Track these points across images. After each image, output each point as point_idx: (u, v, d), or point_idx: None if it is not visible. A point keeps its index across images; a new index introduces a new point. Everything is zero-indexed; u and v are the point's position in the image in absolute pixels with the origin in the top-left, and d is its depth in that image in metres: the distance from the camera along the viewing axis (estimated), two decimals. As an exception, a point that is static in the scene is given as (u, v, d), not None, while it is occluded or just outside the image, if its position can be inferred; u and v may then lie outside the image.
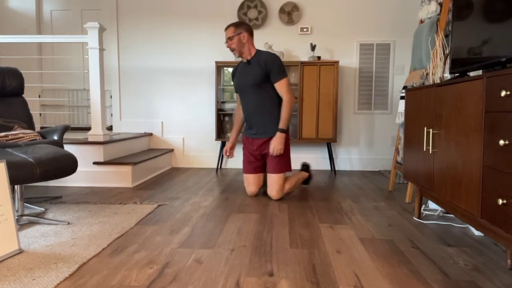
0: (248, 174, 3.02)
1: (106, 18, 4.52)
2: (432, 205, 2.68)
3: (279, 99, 2.93)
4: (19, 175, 2.03)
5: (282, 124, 2.84)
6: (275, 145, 2.83)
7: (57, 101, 5.03)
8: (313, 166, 4.43)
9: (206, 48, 4.47)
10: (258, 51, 2.92)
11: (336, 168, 4.43)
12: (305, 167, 3.41)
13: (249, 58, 2.92)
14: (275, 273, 1.60)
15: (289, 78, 2.79)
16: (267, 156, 2.96)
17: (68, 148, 3.38)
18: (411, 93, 2.40)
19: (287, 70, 4.26)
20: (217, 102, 4.22)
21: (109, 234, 2.08)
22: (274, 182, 2.91)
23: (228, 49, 2.94)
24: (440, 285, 1.50)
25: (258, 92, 2.90)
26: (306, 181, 3.40)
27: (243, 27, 2.88)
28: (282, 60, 4.09)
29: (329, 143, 4.20)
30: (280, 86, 2.83)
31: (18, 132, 2.74)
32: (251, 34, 2.91)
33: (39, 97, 5.02)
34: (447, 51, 2.44)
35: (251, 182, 3.01)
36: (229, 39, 2.88)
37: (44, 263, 1.69)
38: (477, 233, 2.13)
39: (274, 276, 1.58)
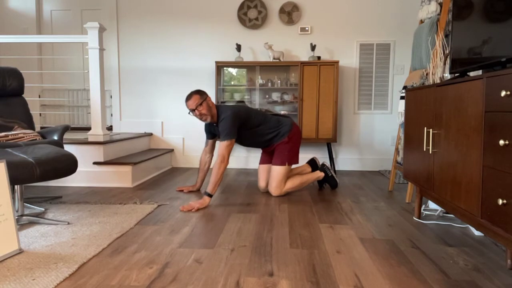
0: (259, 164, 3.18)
1: (106, 18, 4.52)
2: (432, 205, 2.68)
3: (267, 123, 2.98)
4: (19, 175, 2.03)
5: (209, 188, 2.71)
6: (192, 203, 2.67)
7: (57, 101, 5.03)
8: (313, 166, 4.43)
9: (206, 48, 4.47)
10: (218, 112, 2.89)
11: (336, 168, 4.43)
12: (313, 163, 3.37)
13: (215, 120, 2.91)
14: (275, 273, 1.60)
15: (233, 142, 2.79)
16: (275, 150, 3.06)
17: (68, 148, 3.38)
18: (411, 93, 2.40)
19: (287, 70, 4.26)
20: (217, 102, 4.22)
21: (109, 234, 2.08)
22: (272, 176, 2.97)
23: (197, 116, 2.88)
24: (440, 285, 1.50)
25: (242, 137, 2.97)
26: (332, 184, 3.28)
27: (204, 93, 2.87)
28: (283, 59, 4.11)
29: (329, 143, 4.20)
30: (221, 146, 2.77)
31: (18, 132, 2.74)
32: (210, 98, 2.93)
33: (39, 97, 5.02)
34: (447, 51, 2.44)
35: (259, 175, 3.17)
36: (199, 105, 2.82)
37: (44, 263, 1.69)
38: (477, 233, 2.13)
39: (274, 276, 1.58)
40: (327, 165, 3.27)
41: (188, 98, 2.86)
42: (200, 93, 2.87)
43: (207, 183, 3.45)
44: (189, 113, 2.94)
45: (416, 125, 2.29)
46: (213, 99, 4.45)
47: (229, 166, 4.52)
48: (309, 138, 4.08)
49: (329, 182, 3.27)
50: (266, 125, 3.00)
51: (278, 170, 2.95)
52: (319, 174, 3.20)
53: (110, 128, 4.71)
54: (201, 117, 2.86)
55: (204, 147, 3.19)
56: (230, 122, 2.78)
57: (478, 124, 1.53)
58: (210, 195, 2.71)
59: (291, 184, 3.00)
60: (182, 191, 3.18)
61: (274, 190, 2.96)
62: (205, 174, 3.20)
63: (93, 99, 3.45)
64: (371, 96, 4.35)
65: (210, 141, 3.15)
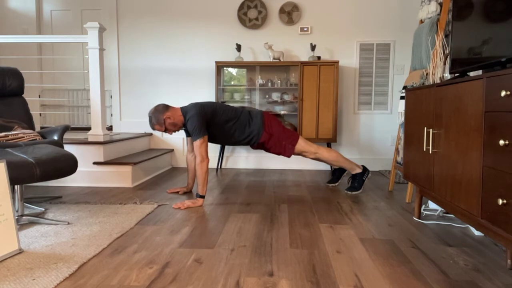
0: None
1: (106, 18, 4.52)
2: (432, 205, 2.68)
3: (238, 118, 2.95)
4: (19, 175, 2.03)
5: (198, 190, 2.74)
6: (186, 201, 2.71)
7: (57, 101, 5.03)
8: (313, 166, 4.43)
9: (206, 48, 4.47)
10: (184, 113, 2.85)
11: (336, 168, 4.42)
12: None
13: (184, 124, 2.88)
14: (275, 273, 1.60)
15: (205, 139, 2.76)
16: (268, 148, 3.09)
17: (68, 148, 3.38)
18: (411, 93, 2.40)
19: (287, 70, 4.26)
20: (217, 102, 4.21)
21: (109, 234, 2.08)
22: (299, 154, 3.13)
23: (162, 131, 2.92)
24: (440, 285, 1.50)
25: (213, 133, 2.94)
26: (333, 178, 3.48)
27: (159, 113, 2.80)
28: (283, 59, 4.11)
29: (329, 143, 4.20)
30: (195, 147, 2.75)
31: (18, 132, 2.74)
32: (167, 108, 2.84)
33: (39, 97, 5.02)
34: (447, 51, 2.44)
35: None
36: (166, 130, 2.84)
37: (44, 263, 1.69)
38: (477, 233, 2.13)
39: (274, 276, 1.58)
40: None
41: (152, 126, 2.85)
42: (157, 117, 2.79)
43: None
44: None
45: (416, 125, 2.29)
46: (213, 99, 4.46)
47: (228, 166, 4.52)
48: (309, 138, 4.08)
49: (337, 174, 3.48)
50: (237, 121, 2.95)
51: (297, 151, 3.07)
52: (358, 170, 3.18)
53: (110, 128, 4.71)
54: (173, 132, 2.89)
55: (187, 147, 3.14)
56: (196, 120, 2.75)
57: (478, 124, 1.53)
58: (201, 196, 2.73)
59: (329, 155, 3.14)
60: (177, 192, 3.12)
61: (310, 155, 3.11)
62: (194, 173, 3.15)
63: (93, 99, 3.45)
64: (371, 96, 4.35)
65: (190, 139, 3.10)
